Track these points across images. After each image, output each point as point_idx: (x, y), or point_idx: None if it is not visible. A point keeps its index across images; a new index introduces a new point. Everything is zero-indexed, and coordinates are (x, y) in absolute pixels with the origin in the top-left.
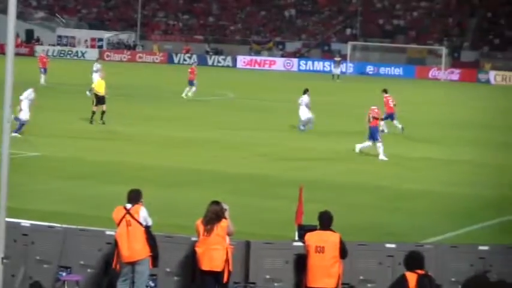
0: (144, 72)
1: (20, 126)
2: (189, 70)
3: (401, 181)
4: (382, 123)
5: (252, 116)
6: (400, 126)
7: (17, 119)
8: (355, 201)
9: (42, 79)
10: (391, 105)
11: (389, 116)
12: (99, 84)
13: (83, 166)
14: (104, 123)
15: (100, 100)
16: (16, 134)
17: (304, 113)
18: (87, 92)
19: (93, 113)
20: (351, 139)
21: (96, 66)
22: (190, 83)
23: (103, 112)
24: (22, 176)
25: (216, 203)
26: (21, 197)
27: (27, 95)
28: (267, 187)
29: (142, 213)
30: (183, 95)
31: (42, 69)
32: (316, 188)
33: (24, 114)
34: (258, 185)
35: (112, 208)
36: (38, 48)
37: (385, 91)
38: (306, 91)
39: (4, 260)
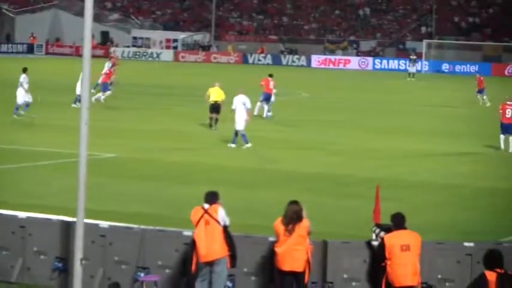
0: (219, 73)
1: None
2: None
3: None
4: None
5: (325, 115)
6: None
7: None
8: (430, 200)
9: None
10: (271, 88)
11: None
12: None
13: (157, 168)
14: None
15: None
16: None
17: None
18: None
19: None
20: (426, 138)
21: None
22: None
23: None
24: (99, 178)
25: (295, 202)
26: (99, 198)
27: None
28: (341, 186)
29: (221, 213)
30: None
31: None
32: (389, 186)
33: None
34: (332, 184)
35: (188, 209)
36: (113, 50)
37: (271, 75)
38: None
39: (83, 261)
